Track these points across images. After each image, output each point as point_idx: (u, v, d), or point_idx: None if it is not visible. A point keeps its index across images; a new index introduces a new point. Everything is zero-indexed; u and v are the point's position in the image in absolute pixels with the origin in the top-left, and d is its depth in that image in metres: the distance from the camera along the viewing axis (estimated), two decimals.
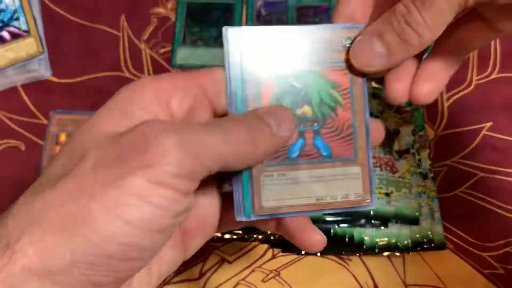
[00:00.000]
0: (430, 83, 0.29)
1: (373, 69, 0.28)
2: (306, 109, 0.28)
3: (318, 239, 0.30)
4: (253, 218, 0.28)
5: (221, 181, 0.31)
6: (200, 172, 0.23)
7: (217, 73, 0.28)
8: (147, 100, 0.25)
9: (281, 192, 0.28)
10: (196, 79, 0.27)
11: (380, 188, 0.46)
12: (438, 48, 0.30)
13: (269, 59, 0.28)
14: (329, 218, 0.45)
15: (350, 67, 0.28)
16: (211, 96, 0.28)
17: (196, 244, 0.30)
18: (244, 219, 0.28)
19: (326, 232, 0.45)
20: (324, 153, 0.29)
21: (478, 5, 0.25)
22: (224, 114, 0.28)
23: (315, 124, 0.29)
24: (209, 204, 0.30)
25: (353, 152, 0.29)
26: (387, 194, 0.46)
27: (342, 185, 0.29)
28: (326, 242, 0.30)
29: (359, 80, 0.29)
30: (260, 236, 0.45)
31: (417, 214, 0.46)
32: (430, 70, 0.30)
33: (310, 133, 0.28)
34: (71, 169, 0.23)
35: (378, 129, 0.30)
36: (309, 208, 0.29)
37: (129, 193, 0.21)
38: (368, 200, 0.29)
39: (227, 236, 0.46)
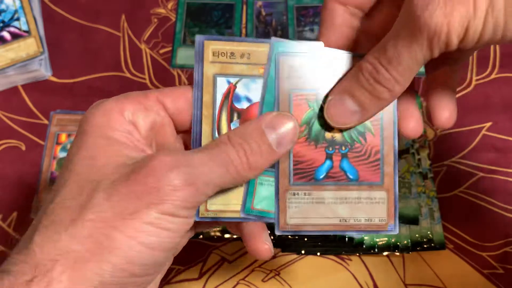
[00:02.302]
0: (447, 109, 0.30)
1: (349, 125, 0.29)
2: (336, 133, 0.29)
3: (265, 248, 0.30)
4: (278, 233, 0.29)
5: None
6: (201, 200, 0.27)
7: (177, 92, 0.29)
8: (118, 122, 0.27)
9: (306, 211, 0.29)
10: (156, 96, 0.29)
11: None
12: (431, 83, 0.31)
13: (305, 79, 0.29)
14: None
15: None
16: (171, 112, 0.29)
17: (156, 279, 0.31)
18: (278, 233, 0.29)
19: None
20: (351, 176, 0.29)
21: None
22: (185, 129, 0.30)
23: (343, 148, 0.29)
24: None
25: (380, 177, 0.29)
26: None
27: (367, 208, 0.29)
28: (272, 252, 0.31)
29: (390, 108, 0.29)
30: None
31: (416, 214, 0.46)
32: (440, 98, 0.30)
33: (338, 156, 0.29)
34: (86, 201, 0.25)
35: None
36: (332, 228, 0.30)
37: (146, 222, 0.25)
38: (392, 224, 0.30)
39: (227, 236, 0.46)
